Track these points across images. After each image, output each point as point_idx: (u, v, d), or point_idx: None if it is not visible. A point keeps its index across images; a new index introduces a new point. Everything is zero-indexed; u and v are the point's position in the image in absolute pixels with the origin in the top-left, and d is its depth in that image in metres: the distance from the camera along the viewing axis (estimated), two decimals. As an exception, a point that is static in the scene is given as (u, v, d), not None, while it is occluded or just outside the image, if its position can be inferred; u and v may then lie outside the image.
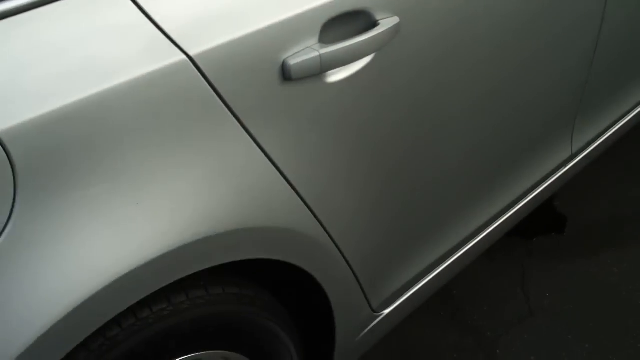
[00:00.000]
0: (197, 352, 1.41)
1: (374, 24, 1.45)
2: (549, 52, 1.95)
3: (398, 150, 1.64)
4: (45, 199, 1.11)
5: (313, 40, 1.37)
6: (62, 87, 1.11)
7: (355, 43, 1.41)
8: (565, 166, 2.34)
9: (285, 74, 1.34)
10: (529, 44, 1.87)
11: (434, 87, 1.64)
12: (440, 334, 2.31)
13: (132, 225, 1.19)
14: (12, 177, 1.09)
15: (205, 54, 1.23)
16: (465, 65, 1.69)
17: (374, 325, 1.87)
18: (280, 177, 1.41)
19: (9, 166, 1.08)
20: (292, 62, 1.33)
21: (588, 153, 2.44)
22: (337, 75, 1.43)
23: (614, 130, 2.54)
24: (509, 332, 2.31)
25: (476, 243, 2.08)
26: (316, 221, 1.50)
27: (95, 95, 1.13)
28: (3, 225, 1.09)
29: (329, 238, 1.54)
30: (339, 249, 1.58)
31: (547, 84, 2.04)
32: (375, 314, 1.86)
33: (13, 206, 1.10)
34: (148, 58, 1.18)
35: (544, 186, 2.27)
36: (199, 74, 1.23)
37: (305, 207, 1.47)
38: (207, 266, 1.31)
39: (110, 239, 1.17)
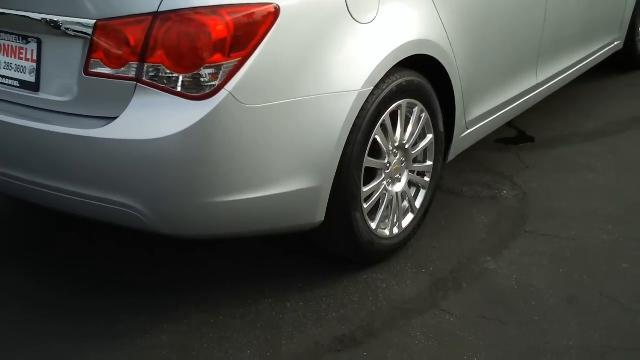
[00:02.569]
0: (407, 99, 3.32)
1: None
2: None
3: (501, 30, 3.71)
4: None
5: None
6: None
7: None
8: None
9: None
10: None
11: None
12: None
13: (399, 32, 3.17)
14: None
15: None
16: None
17: (464, 135, 3.82)
18: (441, 23, 3.40)
19: None
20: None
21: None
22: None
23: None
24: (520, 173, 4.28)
25: (530, 97, 4.17)
26: (451, 50, 3.47)
27: None
28: (375, 12, 3.06)
29: (455, 61, 3.52)
30: (458, 69, 3.55)
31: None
32: (467, 129, 3.82)
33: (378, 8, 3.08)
34: None
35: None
36: None
37: (447, 40, 3.45)
38: (421, 52, 3.26)
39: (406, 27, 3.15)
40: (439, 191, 3.93)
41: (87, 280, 3.31)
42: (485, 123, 3.96)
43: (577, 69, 4.81)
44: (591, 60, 5.00)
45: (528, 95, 4.32)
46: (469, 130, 3.82)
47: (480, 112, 3.87)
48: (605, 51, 5.18)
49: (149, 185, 2.71)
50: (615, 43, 5.30)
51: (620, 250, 3.52)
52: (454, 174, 4.17)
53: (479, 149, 4.40)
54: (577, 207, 3.89)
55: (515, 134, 4.73)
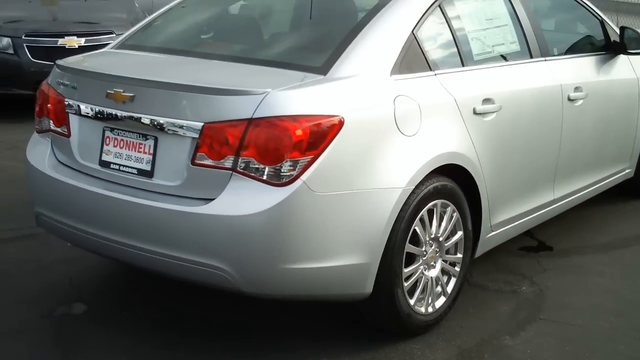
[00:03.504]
0: (442, 199, 4.05)
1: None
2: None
3: (521, 151, 4.46)
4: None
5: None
6: None
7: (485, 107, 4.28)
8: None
9: (474, 112, 4.20)
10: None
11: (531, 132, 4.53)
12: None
13: (436, 145, 3.97)
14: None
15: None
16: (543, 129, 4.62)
17: (489, 236, 4.54)
18: (471, 141, 4.18)
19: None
20: (477, 109, 4.20)
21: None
22: (488, 117, 4.29)
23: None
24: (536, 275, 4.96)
25: (548, 210, 4.87)
26: (479, 163, 4.24)
27: None
28: (417, 128, 3.86)
29: (481, 172, 4.27)
30: (484, 179, 4.31)
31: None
32: (492, 231, 4.54)
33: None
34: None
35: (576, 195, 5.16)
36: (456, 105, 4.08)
37: (476, 155, 4.21)
38: (453, 162, 4.03)
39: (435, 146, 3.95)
40: (467, 285, 4.61)
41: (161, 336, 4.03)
42: (508, 228, 4.67)
43: (590, 190, 5.52)
44: (603, 184, 5.71)
45: (546, 208, 5.02)
46: (493, 232, 4.53)
47: (503, 217, 4.58)
48: (617, 177, 5.89)
49: (237, 252, 3.46)
50: (627, 171, 6.02)
51: (619, 336, 4.15)
52: (481, 273, 4.85)
53: (504, 254, 5.09)
54: (585, 302, 4.54)
55: (535, 244, 5.42)
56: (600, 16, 5.65)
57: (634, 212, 6.11)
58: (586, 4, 5.62)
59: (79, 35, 8.86)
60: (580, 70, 5.26)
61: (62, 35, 8.84)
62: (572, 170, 5.17)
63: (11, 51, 8.70)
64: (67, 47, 8.65)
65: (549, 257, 5.20)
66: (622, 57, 5.65)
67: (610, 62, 5.55)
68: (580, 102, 5.07)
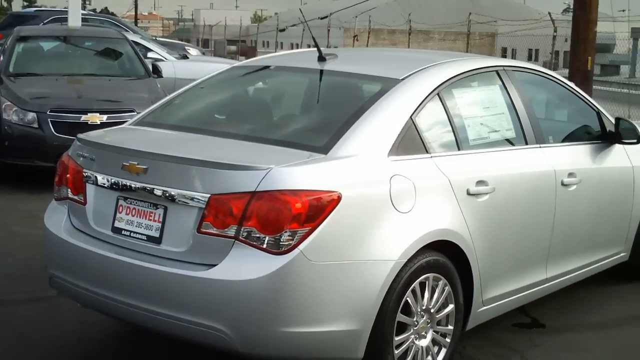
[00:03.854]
0: (434, 273, 4.28)
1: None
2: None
3: (514, 231, 4.70)
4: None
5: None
6: None
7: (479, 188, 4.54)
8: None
9: (467, 193, 4.46)
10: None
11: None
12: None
13: (429, 222, 4.22)
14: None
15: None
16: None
17: (480, 310, 4.74)
18: (463, 219, 4.43)
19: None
20: (471, 190, 4.46)
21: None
22: (482, 198, 4.55)
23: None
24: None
25: (540, 288, 5.06)
26: (470, 237, 4.47)
27: None
28: (412, 205, 4.12)
29: (473, 249, 4.51)
30: (476, 256, 4.54)
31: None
32: (483, 305, 4.75)
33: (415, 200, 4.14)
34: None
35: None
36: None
37: (468, 233, 4.46)
38: (445, 238, 4.29)
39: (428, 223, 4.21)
40: (459, 356, 4.79)
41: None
42: (499, 303, 4.87)
43: (583, 272, 5.70)
44: (597, 266, 5.89)
45: (538, 287, 5.21)
46: (484, 307, 4.73)
47: (495, 293, 4.79)
48: (611, 260, 6.08)
49: (236, 314, 3.69)
50: (621, 254, 6.21)
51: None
52: (474, 346, 5.03)
53: (498, 329, 5.27)
54: (573, 378, 4.73)
55: (529, 320, 5.60)
56: (597, 107, 5.92)
57: (628, 293, 6.30)
58: (583, 95, 5.92)
59: (102, 112, 9.19)
60: (575, 157, 5.51)
61: (85, 112, 9.17)
62: (565, 251, 5.38)
63: (36, 125, 9.06)
64: (89, 123, 8.97)
65: (541, 334, 5.38)
66: (617, 146, 5.88)
67: (606, 151, 5.79)
68: (574, 187, 5.31)
